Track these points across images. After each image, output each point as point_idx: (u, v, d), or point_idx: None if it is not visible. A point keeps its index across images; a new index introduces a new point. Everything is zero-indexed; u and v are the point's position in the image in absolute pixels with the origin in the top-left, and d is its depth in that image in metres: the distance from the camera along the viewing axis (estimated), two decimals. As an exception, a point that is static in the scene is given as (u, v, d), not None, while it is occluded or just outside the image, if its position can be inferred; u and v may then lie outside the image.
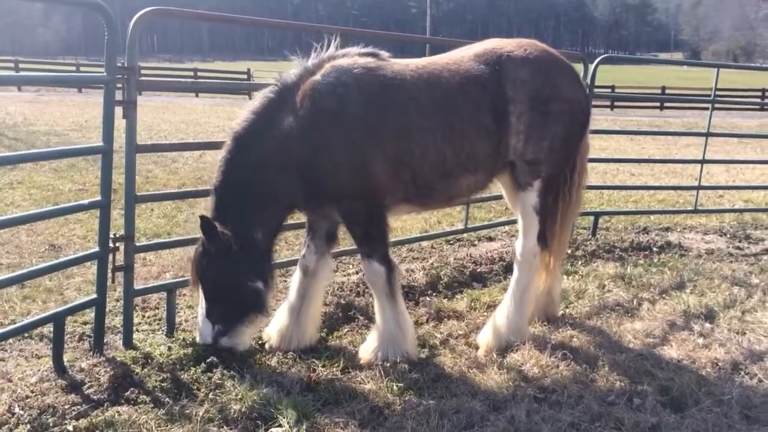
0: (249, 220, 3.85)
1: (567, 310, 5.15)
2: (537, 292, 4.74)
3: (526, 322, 4.55)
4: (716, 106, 8.86)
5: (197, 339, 4.08)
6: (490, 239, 7.42)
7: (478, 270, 6.14)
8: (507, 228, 7.64)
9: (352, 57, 4.01)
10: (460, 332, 4.70)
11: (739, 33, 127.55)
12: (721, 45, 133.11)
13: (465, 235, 7.25)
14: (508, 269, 6.05)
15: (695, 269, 6.27)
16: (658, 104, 33.12)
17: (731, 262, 6.72)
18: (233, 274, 3.86)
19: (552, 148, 4.27)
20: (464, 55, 4.29)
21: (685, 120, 27.56)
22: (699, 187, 8.63)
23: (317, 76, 3.89)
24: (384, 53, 4.12)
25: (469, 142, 4.09)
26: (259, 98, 3.95)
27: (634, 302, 5.34)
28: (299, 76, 3.93)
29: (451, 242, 7.19)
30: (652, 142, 18.67)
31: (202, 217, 3.70)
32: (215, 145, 4.39)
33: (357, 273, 5.92)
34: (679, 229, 8.17)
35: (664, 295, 5.55)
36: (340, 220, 4.15)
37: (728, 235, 7.86)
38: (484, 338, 4.44)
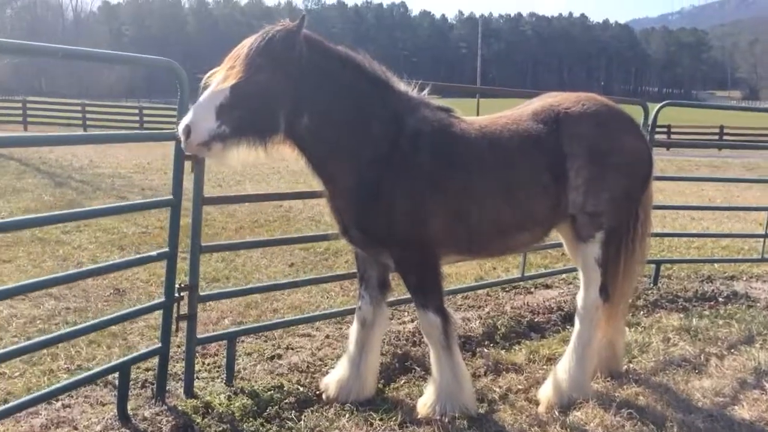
0: (316, 107, 3.71)
1: (631, 365, 4.99)
2: (599, 345, 4.62)
3: (589, 378, 4.43)
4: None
5: (183, 127, 3.43)
6: (547, 287, 7.29)
7: (536, 320, 6.04)
8: (564, 275, 7.51)
9: (433, 109, 4.07)
10: (520, 387, 4.60)
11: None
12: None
13: (521, 282, 7.15)
14: (566, 319, 5.94)
15: (764, 322, 6.01)
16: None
17: (803, 314, 6.42)
18: (286, 92, 3.60)
19: (613, 200, 4.22)
20: (522, 113, 4.32)
21: (744, 161, 26.78)
22: (766, 235, 8.32)
23: (408, 114, 3.94)
24: (456, 110, 4.20)
25: (527, 202, 4.11)
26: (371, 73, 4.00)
27: (701, 357, 5.14)
28: (400, 99, 3.99)
29: (507, 290, 7.09)
30: (712, 183, 18.16)
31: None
32: (281, 197, 4.46)
33: (412, 321, 5.89)
34: (745, 278, 7.87)
35: (732, 350, 5.32)
36: (391, 266, 4.17)
37: (798, 286, 7.53)
38: (545, 394, 4.34)
